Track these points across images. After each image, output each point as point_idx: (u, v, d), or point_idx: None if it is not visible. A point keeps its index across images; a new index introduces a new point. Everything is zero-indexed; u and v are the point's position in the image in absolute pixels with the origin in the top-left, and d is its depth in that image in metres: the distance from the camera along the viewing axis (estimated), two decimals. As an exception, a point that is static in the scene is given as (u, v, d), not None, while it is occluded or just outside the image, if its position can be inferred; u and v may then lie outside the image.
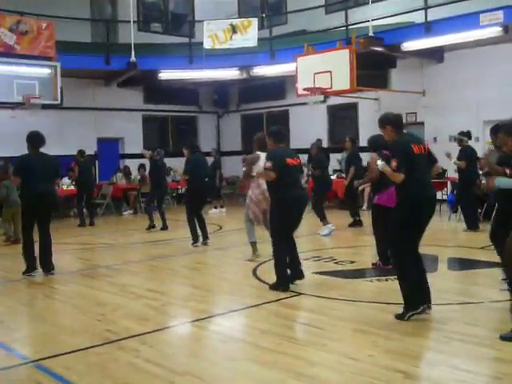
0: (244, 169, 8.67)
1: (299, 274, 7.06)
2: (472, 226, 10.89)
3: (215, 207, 16.19)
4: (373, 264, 8.02)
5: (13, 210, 11.11)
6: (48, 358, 4.85)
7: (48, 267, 8.22)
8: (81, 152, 14.47)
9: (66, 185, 15.54)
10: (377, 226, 7.85)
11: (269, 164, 6.78)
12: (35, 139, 8.24)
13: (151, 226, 12.64)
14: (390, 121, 5.69)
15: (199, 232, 10.35)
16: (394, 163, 5.33)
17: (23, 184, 8.26)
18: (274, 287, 6.88)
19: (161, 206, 12.90)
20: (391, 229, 5.70)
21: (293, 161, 6.93)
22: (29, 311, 6.78)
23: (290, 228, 6.99)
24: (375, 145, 7.65)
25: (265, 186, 8.16)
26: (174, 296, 7.01)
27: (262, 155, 8.16)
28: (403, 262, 5.53)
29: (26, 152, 8.28)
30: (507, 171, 5.69)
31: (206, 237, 10.41)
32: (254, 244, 8.83)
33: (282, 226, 6.88)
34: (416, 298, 5.50)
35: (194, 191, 10.47)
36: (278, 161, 6.80)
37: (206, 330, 5.72)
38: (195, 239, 10.33)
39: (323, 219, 11.10)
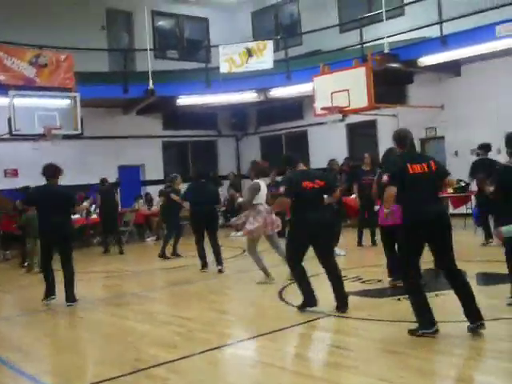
0: (242, 199, 9.23)
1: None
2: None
3: (237, 230, 16.13)
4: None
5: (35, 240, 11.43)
6: (77, 389, 4.83)
7: (69, 298, 8.20)
8: (102, 180, 14.66)
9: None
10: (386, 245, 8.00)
11: (282, 189, 6.80)
12: (46, 170, 8.35)
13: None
14: (393, 138, 5.86)
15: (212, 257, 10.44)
16: (385, 177, 5.53)
17: (38, 216, 8.46)
18: (301, 307, 6.85)
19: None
20: (398, 246, 5.97)
21: (311, 183, 6.80)
22: (55, 342, 6.76)
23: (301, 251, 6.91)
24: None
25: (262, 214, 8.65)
26: (200, 322, 6.94)
27: (262, 183, 8.84)
28: (408, 277, 5.59)
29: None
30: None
31: (219, 263, 10.31)
32: (264, 270, 8.90)
33: (294, 248, 6.89)
34: (426, 316, 5.48)
35: (194, 216, 10.60)
36: (294, 185, 6.80)
37: (235, 355, 5.65)
38: (203, 264, 10.42)
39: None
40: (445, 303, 6.41)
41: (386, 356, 5.14)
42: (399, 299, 7.21)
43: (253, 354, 5.65)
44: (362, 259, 10.70)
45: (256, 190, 8.81)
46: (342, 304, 6.70)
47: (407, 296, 5.74)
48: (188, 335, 6.37)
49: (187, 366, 5.34)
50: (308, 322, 6.46)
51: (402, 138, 5.80)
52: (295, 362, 5.20)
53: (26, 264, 11.84)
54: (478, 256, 10.09)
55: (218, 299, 8.40)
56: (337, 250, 10.74)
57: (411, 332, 5.52)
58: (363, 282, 8.38)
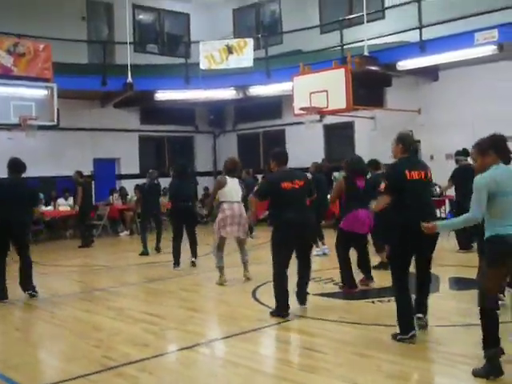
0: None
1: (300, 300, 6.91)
2: (463, 246, 10.90)
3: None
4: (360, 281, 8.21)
5: None
6: (44, 386, 4.76)
7: (26, 287, 8.12)
8: (79, 173, 14.53)
9: (63, 206, 15.54)
10: (341, 248, 8.06)
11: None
12: (13, 165, 8.16)
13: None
14: (399, 140, 5.70)
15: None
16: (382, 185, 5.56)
17: None
18: (273, 313, 6.69)
19: (143, 229, 12.78)
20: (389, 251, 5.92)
21: (291, 184, 6.63)
22: (23, 336, 6.65)
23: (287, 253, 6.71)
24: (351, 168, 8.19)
25: (228, 212, 8.49)
26: (172, 320, 6.90)
27: (231, 180, 8.61)
28: (395, 284, 5.56)
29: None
30: None
31: (194, 255, 10.49)
32: (221, 268, 8.76)
33: (279, 251, 6.67)
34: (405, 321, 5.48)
35: (175, 213, 10.59)
36: (270, 186, 6.83)
37: (206, 355, 5.62)
38: (176, 262, 10.32)
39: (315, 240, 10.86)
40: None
41: (357, 359, 5.14)
42: (372, 302, 7.25)
43: (224, 354, 5.62)
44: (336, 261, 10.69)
45: (219, 183, 8.66)
46: (301, 300, 6.86)
47: (393, 297, 5.70)
48: (159, 333, 6.32)
49: (158, 365, 5.30)
50: (280, 323, 6.45)
51: (410, 142, 5.71)
52: (266, 363, 5.19)
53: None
54: (451, 261, 10.19)
55: (191, 297, 8.35)
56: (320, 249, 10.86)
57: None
58: (336, 283, 8.39)
